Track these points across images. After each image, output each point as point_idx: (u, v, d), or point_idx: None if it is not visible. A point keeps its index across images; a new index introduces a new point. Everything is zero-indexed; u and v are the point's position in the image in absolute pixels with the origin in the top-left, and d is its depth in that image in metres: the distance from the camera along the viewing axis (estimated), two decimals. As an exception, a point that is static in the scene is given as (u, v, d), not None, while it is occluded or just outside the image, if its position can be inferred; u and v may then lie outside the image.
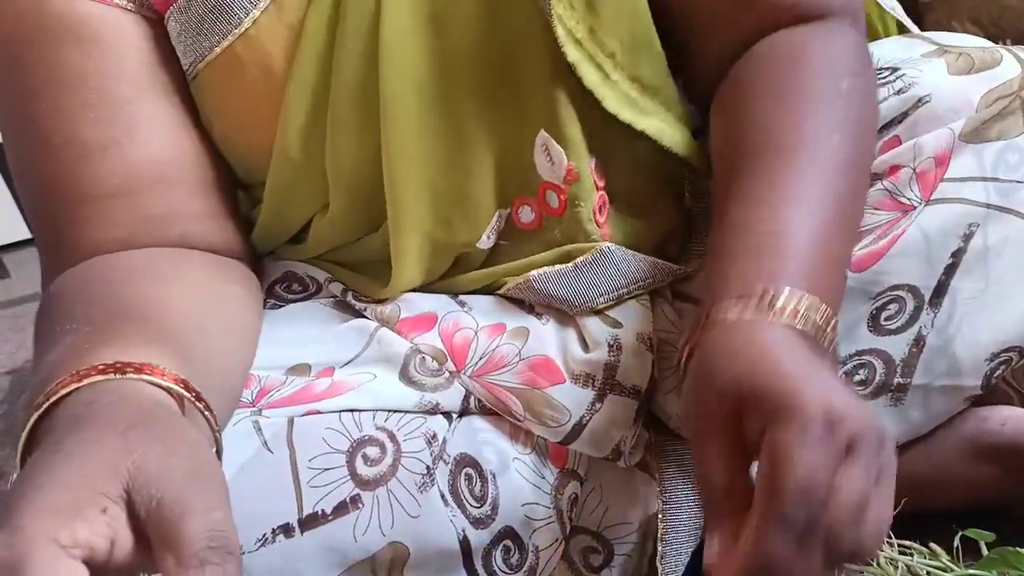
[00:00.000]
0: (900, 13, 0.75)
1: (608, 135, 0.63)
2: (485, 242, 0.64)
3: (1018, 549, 0.57)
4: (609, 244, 0.63)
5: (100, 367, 0.43)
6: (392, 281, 0.64)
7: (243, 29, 0.59)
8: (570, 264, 0.63)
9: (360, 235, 0.65)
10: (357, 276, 0.67)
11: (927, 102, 0.62)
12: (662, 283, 0.65)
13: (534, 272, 0.63)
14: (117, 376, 0.42)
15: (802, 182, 0.54)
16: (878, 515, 0.43)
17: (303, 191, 0.63)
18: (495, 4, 0.59)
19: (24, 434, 0.43)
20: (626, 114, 0.61)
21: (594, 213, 0.64)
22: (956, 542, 0.60)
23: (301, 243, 0.68)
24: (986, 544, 0.59)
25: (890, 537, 0.61)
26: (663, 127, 0.63)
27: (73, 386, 0.42)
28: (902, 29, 0.75)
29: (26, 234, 2.35)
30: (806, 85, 0.58)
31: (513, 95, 0.61)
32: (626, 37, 0.61)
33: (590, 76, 0.60)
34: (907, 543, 0.61)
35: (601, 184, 0.64)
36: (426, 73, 0.59)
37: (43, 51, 0.58)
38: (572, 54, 0.59)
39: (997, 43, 1.40)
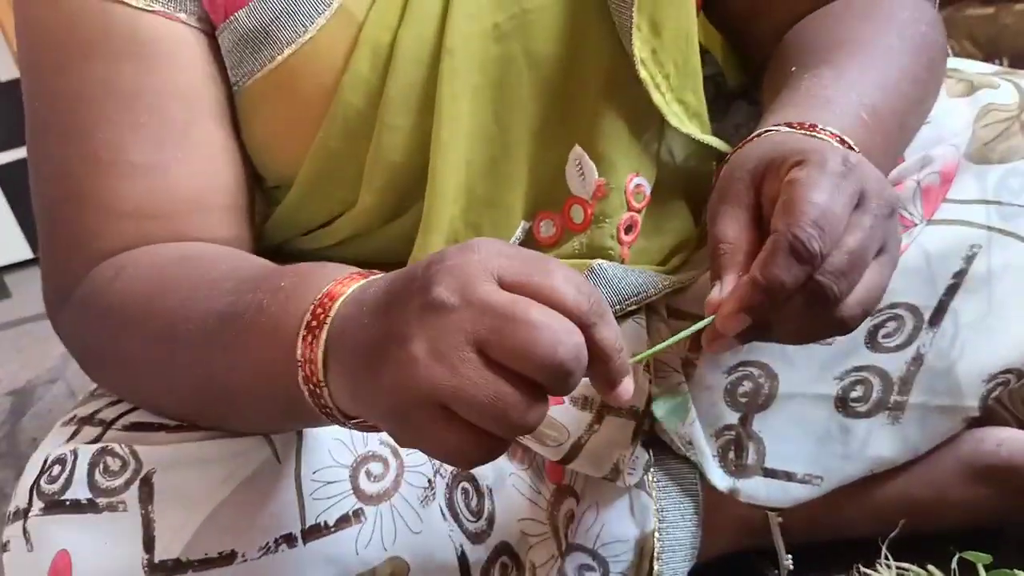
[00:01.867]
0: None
1: (652, 158, 0.65)
2: None
3: (1015, 571, 0.57)
4: (600, 261, 0.63)
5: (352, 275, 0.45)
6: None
7: (307, 37, 0.59)
8: None
9: (380, 226, 0.65)
10: None
11: (928, 123, 0.63)
12: (655, 297, 0.65)
13: None
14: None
15: (864, 66, 0.57)
16: (869, 286, 0.45)
17: (336, 184, 0.63)
18: (567, 21, 0.60)
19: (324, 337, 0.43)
20: (685, 128, 0.63)
21: (619, 231, 0.65)
22: (953, 564, 0.60)
23: (312, 233, 0.67)
24: (983, 566, 0.59)
25: (888, 559, 0.61)
26: (716, 143, 0.65)
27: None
28: None
29: (27, 254, 2.35)
30: (885, 15, 0.61)
31: (560, 108, 0.62)
32: (680, 61, 0.62)
33: (655, 95, 0.61)
34: (905, 565, 0.61)
35: (638, 206, 0.65)
36: (483, 78, 0.60)
37: (100, 63, 0.58)
38: (643, 73, 0.60)
39: (994, 62, 1.41)
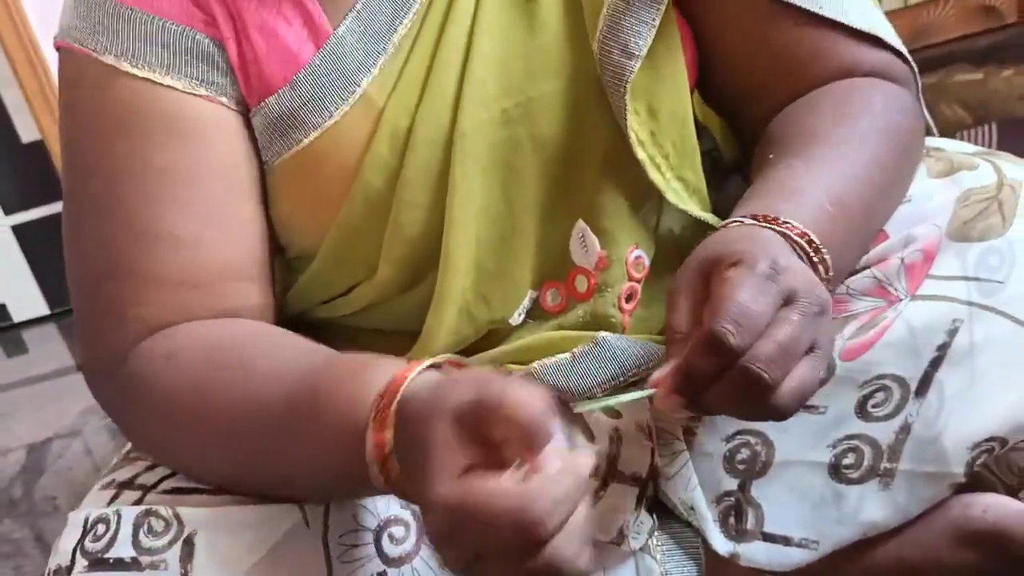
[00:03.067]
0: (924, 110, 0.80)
1: (652, 232, 0.70)
2: (516, 319, 0.69)
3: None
4: (605, 334, 0.67)
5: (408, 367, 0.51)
6: (417, 348, 0.68)
7: (332, 122, 0.64)
8: (567, 355, 0.67)
9: (395, 297, 0.70)
10: (382, 350, 0.70)
11: (908, 201, 0.67)
12: (657, 367, 0.69)
13: (535, 364, 0.67)
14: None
15: (834, 157, 0.61)
16: (804, 376, 0.49)
17: (356, 256, 0.68)
18: (569, 107, 0.65)
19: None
20: (684, 205, 0.67)
21: (619, 299, 0.69)
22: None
23: (331, 302, 0.72)
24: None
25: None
26: (710, 218, 0.69)
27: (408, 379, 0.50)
28: None
29: (44, 311, 2.40)
30: (860, 101, 0.66)
31: (564, 186, 0.67)
32: (677, 141, 0.67)
33: (654, 174, 0.66)
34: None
35: (637, 276, 0.69)
36: (493, 160, 0.65)
37: (147, 142, 0.63)
38: (641, 153, 0.65)
39: (983, 125, 1.47)
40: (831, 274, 0.56)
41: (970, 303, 0.64)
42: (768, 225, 0.55)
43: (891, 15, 2.02)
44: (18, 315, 2.45)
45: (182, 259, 0.63)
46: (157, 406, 0.62)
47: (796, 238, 0.54)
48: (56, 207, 2.31)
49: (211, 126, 0.64)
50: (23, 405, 2.02)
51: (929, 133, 0.78)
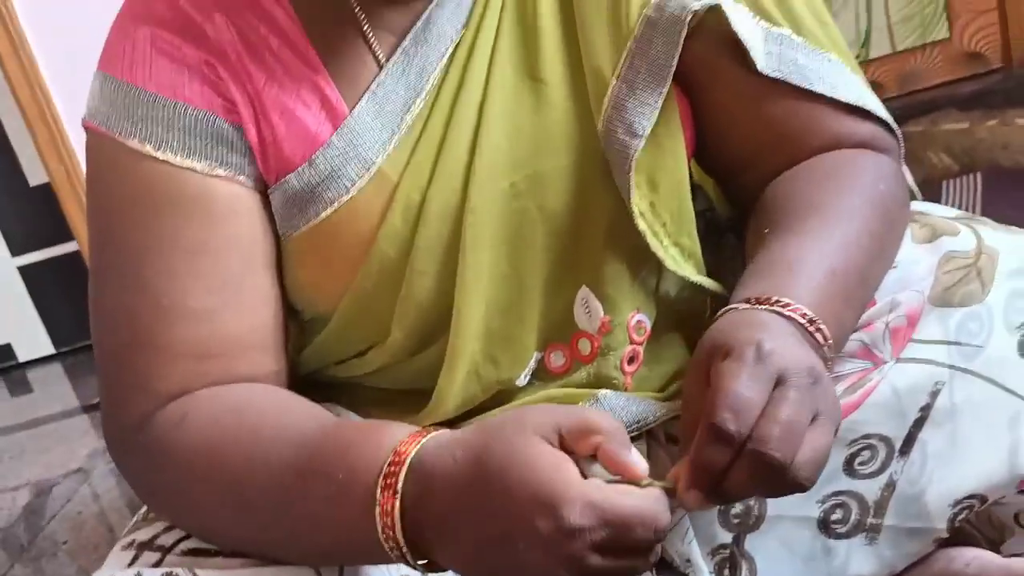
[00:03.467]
0: (908, 174, 0.84)
1: (652, 296, 0.73)
2: (522, 380, 0.72)
3: None
4: (605, 392, 0.71)
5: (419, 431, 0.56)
6: (429, 408, 0.71)
7: (349, 197, 0.67)
8: None
9: (407, 359, 0.73)
10: (393, 408, 0.74)
11: (894, 267, 0.70)
12: (654, 424, 0.72)
13: None
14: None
15: (826, 232, 0.64)
16: (816, 443, 0.52)
17: (369, 320, 0.71)
18: (575, 181, 0.69)
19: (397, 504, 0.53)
20: (681, 271, 0.71)
21: (622, 362, 0.72)
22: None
23: (345, 363, 0.75)
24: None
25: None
26: (708, 283, 0.73)
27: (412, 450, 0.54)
28: None
29: (49, 350, 2.42)
30: (849, 176, 0.69)
31: (568, 255, 0.70)
32: (675, 210, 0.71)
33: (653, 242, 0.70)
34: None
35: (639, 340, 0.73)
36: (502, 231, 0.68)
37: (170, 220, 0.66)
38: (641, 224, 0.69)
39: (969, 173, 1.51)
40: (830, 343, 0.59)
41: (951, 366, 0.68)
42: (765, 307, 0.58)
43: (879, 61, 2.06)
44: (23, 355, 2.46)
45: (201, 332, 0.66)
46: (171, 470, 0.64)
47: (797, 318, 0.57)
48: (62, 248, 2.34)
49: (230, 205, 0.68)
50: (29, 446, 2.02)
51: (913, 197, 0.82)
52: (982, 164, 1.60)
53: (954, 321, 0.68)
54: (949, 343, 0.68)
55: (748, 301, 0.59)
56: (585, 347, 0.73)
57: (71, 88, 2.21)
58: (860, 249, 0.65)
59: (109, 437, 0.70)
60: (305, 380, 0.77)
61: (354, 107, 0.68)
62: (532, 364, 0.73)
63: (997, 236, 0.72)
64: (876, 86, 2.03)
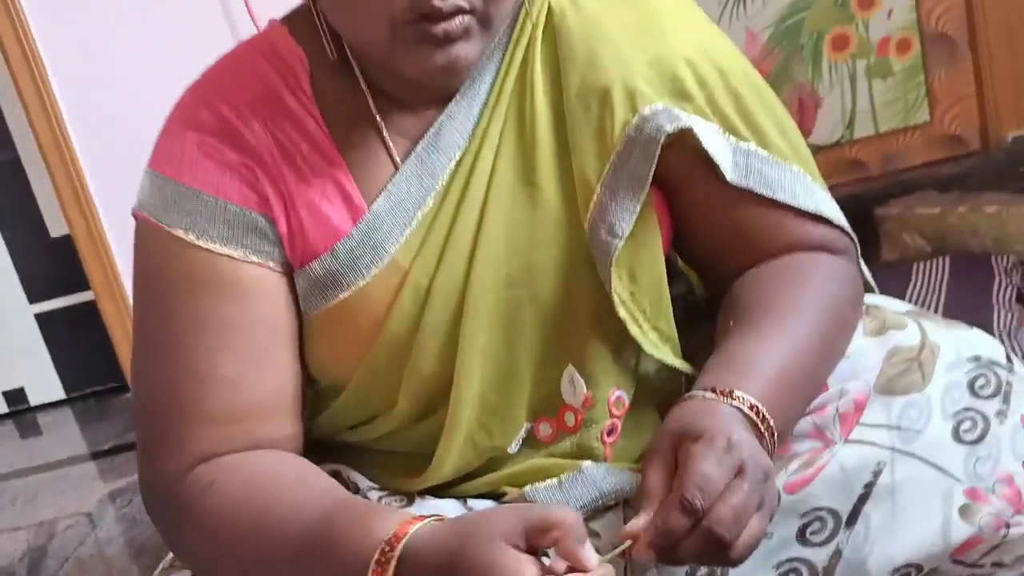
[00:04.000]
0: (865, 270, 0.92)
1: (630, 375, 0.82)
2: (513, 448, 0.80)
3: None
4: (588, 463, 0.79)
5: (410, 520, 0.63)
6: (429, 471, 0.79)
7: (364, 282, 0.76)
8: (555, 480, 0.79)
9: (411, 426, 0.81)
10: (396, 470, 0.82)
11: (846, 358, 0.79)
12: (631, 494, 0.80)
13: (527, 487, 0.79)
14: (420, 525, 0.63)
15: (780, 332, 0.73)
16: (754, 529, 0.62)
17: (379, 391, 0.79)
18: (563, 272, 0.78)
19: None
20: (658, 354, 0.79)
21: (603, 433, 0.81)
22: None
23: (355, 428, 0.83)
24: None
25: None
26: (680, 364, 0.81)
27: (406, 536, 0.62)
28: None
29: (60, 395, 2.50)
30: (804, 279, 0.78)
31: (556, 337, 0.79)
32: (653, 299, 0.79)
33: (633, 328, 0.78)
34: None
35: (618, 414, 0.81)
36: (498, 314, 0.77)
37: (207, 299, 0.75)
38: (622, 312, 0.77)
39: (938, 256, 1.60)
40: (775, 438, 0.68)
41: (893, 448, 0.76)
42: (724, 400, 0.67)
43: (863, 142, 2.17)
44: (35, 399, 2.52)
45: (229, 398, 0.75)
46: (197, 531, 0.73)
47: (747, 411, 0.67)
48: (78, 297, 2.42)
49: (260, 287, 0.76)
50: (38, 490, 2.07)
51: (869, 290, 0.90)
52: (952, 247, 1.67)
53: (896, 408, 0.77)
54: (891, 427, 0.76)
55: (710, 390, 0.67)
56: (570, 419, 0.81)
57: (96, 146, 2.31)
58: (809, 348, 0.74)
59: (144, 490, 0.78)
60: (319, 442, 0.85)
61: (372, 203, 0.77)
62: (522, 434, 0.81)
63: (940, 332, 0.80)
64: (859, 165, 2.16)
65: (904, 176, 2.13)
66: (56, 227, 2.40)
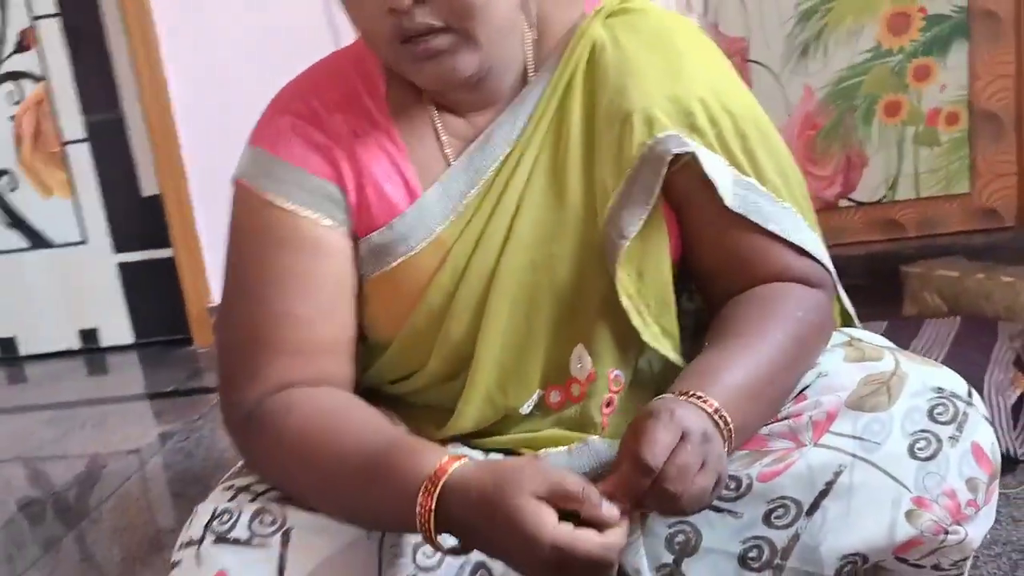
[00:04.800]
0: (847, 304, 1.05)
1: (629, 360, 0.95)
2: (525, 409, 0.95)
3: None
4: (593, 437, 0.93)
5: (452, 458, 0.76)
6: (451, 422, 0.93)
7: (412, 254, 0.90)
8: (565, 448, 0.93)
9: (441, 383, 0.95)
10: (424, 419, 0.97)
11: (825, 375, 0.91)
12: None
13: (542, 451, 0.93)
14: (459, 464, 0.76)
15: (745, 351, 0.85)
16: (700, 484, 0.74)
17: (415, 352, 0.94)
18: (579, 262, 0.91)
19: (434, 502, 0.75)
20: (656, 345, 0.92)
21: (602, 406, 0.95)
22: None
23: (395, 383, 0.98)
24: None
25: None
26: (674, 357, 0.94)
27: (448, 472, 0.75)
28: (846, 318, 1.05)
29: (129, 340, 2.70)
30: (774, 306, 0.90)
31: (570, 318, 0.92)
32: (658, 296, 0.92)
33: (635, 319, 0.91)
34: None
35: (615, 390, 0.95)
36: (520, 295, 0.91)
37: (286, 253, 0.89)
38: (626, 302, 0.90)
39: (955, 315, 1.69)
40: (731, 429, 0.79)
41: (854, 455, 0.86)
42: (685, 398, 0.78)
43: (903, 204, 2.29)
44: (106, 340, 2.72)
45: (301, 334, 0.89)
46: (273, 447, 0.86)
47: (710, 412, 0.78)
48: (158, 253, 2.62)
49: (331, 246, 0.90)
50: (95, 422, 2.22)
51: (848, 321, 1.03)
52: (967, 309, 1.76)
53: (862, 422, 0.87)
54: (855, 438, 0.87)
55: (676, 392, 0.80)
56: (576, 390, 0.95)
57: (194, 119, 2.51)
58: (769, 365, 0.85)
59: (226, 416, 0.92)
60: (368, 392, 0.99)
61: (427, 190, 0.91)
62: (534, 398, 0.94)
63: (912, 365, 0.91)
64: (897, 225, 2.28)
65: (939, 241, 2.24)
66: (148, 187, 2.59)
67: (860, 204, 2.33)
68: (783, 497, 0.87)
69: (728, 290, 0.94)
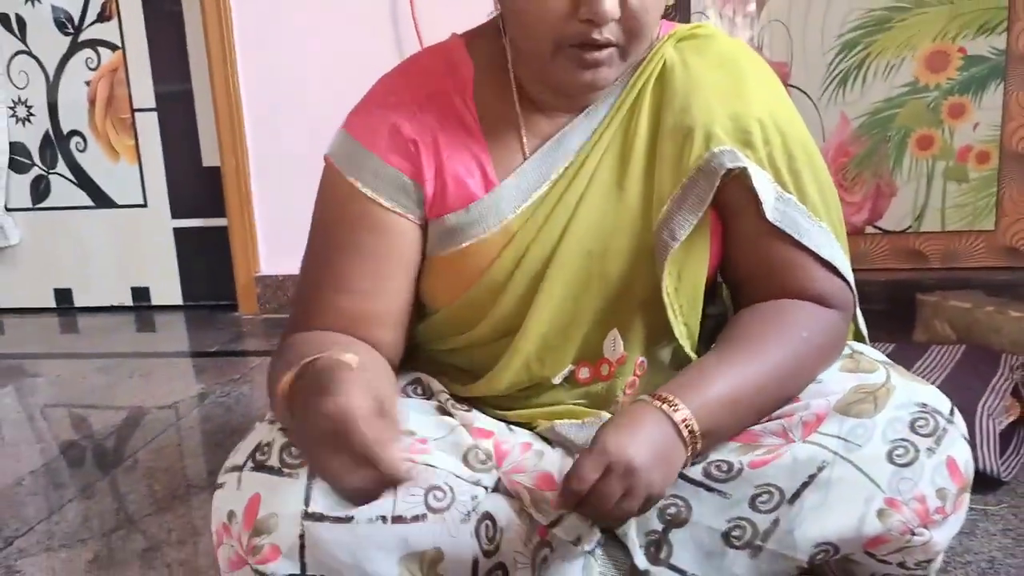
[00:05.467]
0: (862, 324, 1.14)
1: (654, 349, 1.06)
2: (556, 380, 1.05)
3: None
4: (605, 413, 1.03)
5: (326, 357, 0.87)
6: (486, 381, 1.04)
7: (481, 239, 1.00)
8: (579, 421, 1.04)
9: (482, 347, 1.06)
10: (461, 379, 1.08)
11: (820, 381, 1.00)
12: None
13: (556, 422, 1.04)
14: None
15: (739, 362, 0.95)
16: (623, 508, 0.85)
17: (468, 318, 1.04)
18: (629, 258, 1.01)
19: (288, 378, 0.87)
20: (682, 341, 1.02)
21: (626, 387, 1.05)
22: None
23: (443, 341, 1.09)
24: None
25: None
26: (691, 353, 1.04)
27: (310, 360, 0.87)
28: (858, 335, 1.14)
29: (178, 301, 2.83)
30: (782, 322, 0.99)
31: (612, 306, 1.03)
32: (690, 298, 1.02)
33: (671, 315, 1.01)
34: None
35: (639, 374, 1.06)
36: (572, 279, 1.01)
37: (359, 231, 1.01)
38: (665, 299, 1.00)
39: (961, 343, 1.75)
40: (697, 438, 0.90)
41: (836, 453, 0.95)
42: (659, 405, 0.89)
43: (927, 235, 2.37)
44: (156, 300, 2.84)
45: (354, 304, 1.01)
46: (279, 355, 0.99)
47: (677, 420, 0.88)
48: (213, 222, 2.74)
49: (397, 229, 1.01)
50: (138, 374, 2.30)
51: (860, 338, 1.12)
52: (976, 341, 1.80)
53: (848, 425, 0.95)
54: (840, 438, 0.95)
55: (654, 396, 0.91)
56: (605, 370, 1.05)
57: (259, 97, 2.61)
58: (758, 376, 0.94)
59: (283, 334, 1.05)
60: (413, 351, 1.11)
61: (503, 180, 1.00)
62: (566, 372, 1.05)
63: (901, 380, 0.99)
64: (921, 255, 2.35)
65: (960, 274, 2.29)
66: (209, 158, 2.71)
67: (886, 232, 2.40)
68: (768, 484, 0.96)
69: (753, 298, 1.03)
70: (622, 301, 1.02)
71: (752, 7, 2.30)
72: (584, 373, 1.05)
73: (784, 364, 0.97)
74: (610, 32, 0.91)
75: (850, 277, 1.04)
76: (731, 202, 1.00)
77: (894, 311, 2.06)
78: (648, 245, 1.00)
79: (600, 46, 0.91)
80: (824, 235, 1.01)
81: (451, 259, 1.02)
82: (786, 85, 2.32)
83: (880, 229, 2.40)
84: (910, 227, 2.39)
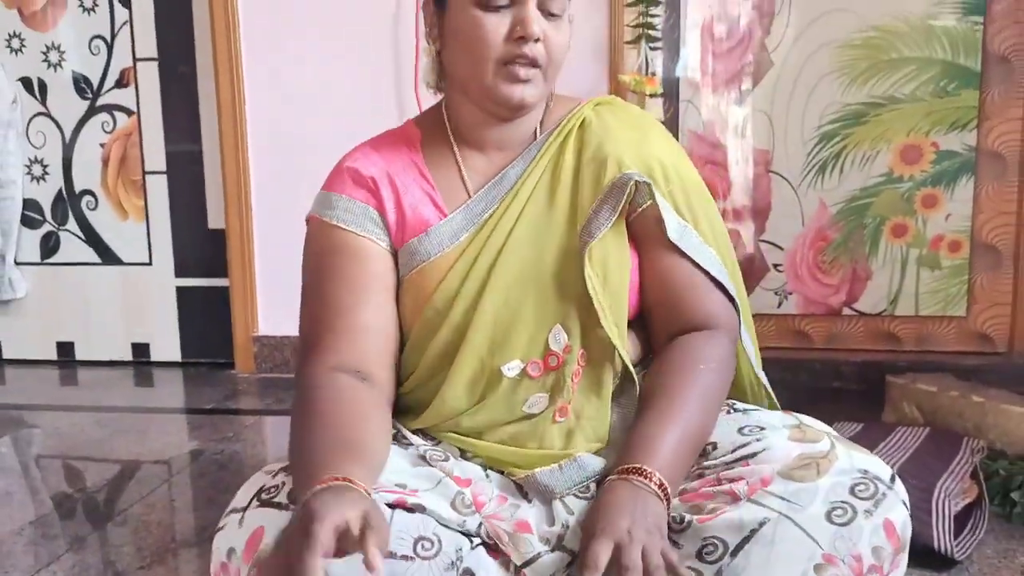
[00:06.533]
0: (769, 390, 1.27)
1: (591, 343, 1.17)
2: (507, 372, 1.15)
3: None
4: (581, 454, 1.12)
5: (334, 479, 0.92)
6: (439, 397, 1.15)
7: (437, 256, 1.17)
8: (556, 466, 1.12)
9: (438, 370, 1.17)
10: (419, 413, 1.18)
11: (768, 449, 1.08)
12: (603, 476, 1.11)
13: (534, 471, 1.12)
14: (343, 483, 0.91)
15: (672, 415, 1.08)
16: (654, 563, 0.94)
17: (432, 327, 1.17)
18: (561, 263, 1.16)
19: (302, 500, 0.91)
20: (610, 334, 1.14)
21: (572, 375, 1.16)
22: None
23: (407, 379, 1.20)
24: None
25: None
26: (624, 355, 1.16)
27: (324, 486, 0.91)
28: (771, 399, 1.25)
29: (177, 358, 2.89)
30: (687, 365, 1.14)
31: (552, 305, 1.16)
32: (614, 300, 1.16)
33: (597, 306, 1.14)
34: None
35: (582, 364, 1.17)
36: (513, 284, 1.16)
37: (340, 259, 1.17)
38: (591, 291, 1.14)
39: (927, 427, 1.81)
40: (669, 494, 1.00)
41: (779, 513, 1.01)
42: (636, 480, 1.00)
43: (902, 319, 2.48)
44: (156, 356, 2.91)
45: (345, 319, 1.13)
46: (295, 407, 1.08)
47: (655, 488, 0.99)
48: (215, 282, 2.82)
49: (372, 254, 1.17)
50: (140, 426, 2.36)
51: (774, 407, 1.23)
52: (941, 424, 1.86)
53: (791, 488, 1.02)
54: (783, 499, 1.02)
55: (626, 471, 1.02)
56: (552, 361, 1.16)
57: (265, 163, 2.72)
58: (692, 418, 1.08)
59: (296, 369, 1.16)
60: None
61: (454, 211, 1.18)
62: (518, 369, 1.15)
63: (845, 451, 1.07)
64: (894, 338, 2.43)
65: (931, 358, 2.37)
66: (215, 221, 2.81)
67: (862, 314, 2.48)
68: (714, 536, 1.02)
69: (662, 324, 1.20)
70: (560, 300, 1.16)
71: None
72: (534, 369, 1.17)
73: (699, 398, 1.12)
74: (535, 51, 1.13)
75: (734, 295, 1.21)
76: (641, 231, 1.20)
77: (867, 391, 2.12)
78: (574, 251, 1.16)
79: (528, 62, 1.13)
80: (714, 259, 1.20)
81: (415, 277, 1.18)
82: (768, 171, 2.45)
83: (856, 311, 2.49)
84: (885, 310, 2.47)
